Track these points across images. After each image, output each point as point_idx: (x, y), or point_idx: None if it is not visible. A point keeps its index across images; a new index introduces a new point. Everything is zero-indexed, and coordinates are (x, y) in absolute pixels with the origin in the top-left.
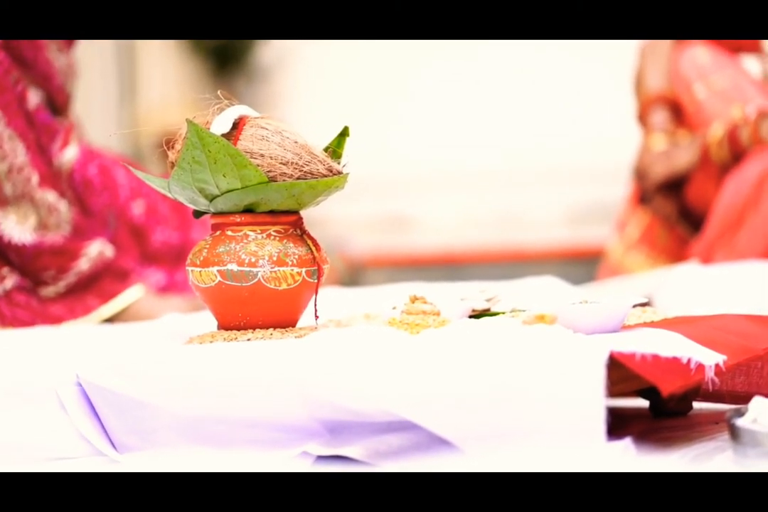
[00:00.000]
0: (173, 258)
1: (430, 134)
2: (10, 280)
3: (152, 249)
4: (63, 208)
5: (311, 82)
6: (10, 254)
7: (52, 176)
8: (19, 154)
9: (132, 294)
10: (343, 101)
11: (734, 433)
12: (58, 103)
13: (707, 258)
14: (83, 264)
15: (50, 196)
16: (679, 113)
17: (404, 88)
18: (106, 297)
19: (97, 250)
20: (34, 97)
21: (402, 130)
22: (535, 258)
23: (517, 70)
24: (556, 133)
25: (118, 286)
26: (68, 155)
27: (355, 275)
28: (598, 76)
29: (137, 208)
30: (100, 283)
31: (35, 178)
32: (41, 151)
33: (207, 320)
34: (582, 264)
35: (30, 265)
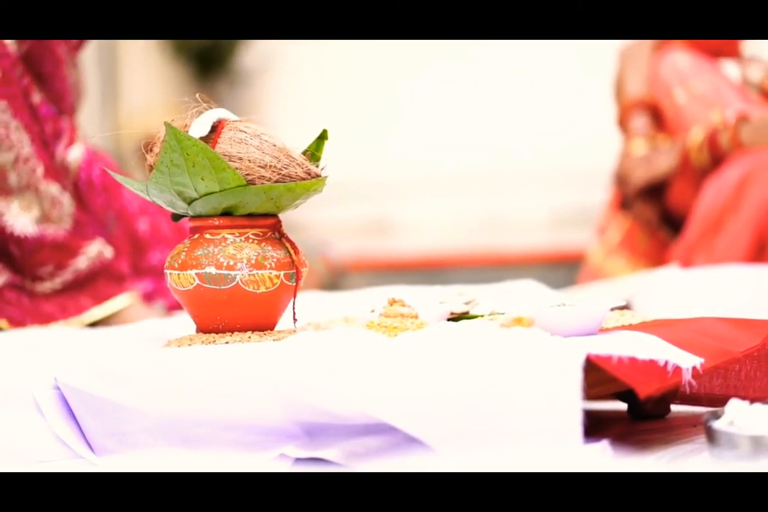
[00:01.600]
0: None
1: (414, 138)
2: (2, 277)
3: (147, 265)
4: (66, 201)
5: (294, 86)
6: (11, 246)
7: (55, 169)
8: (25, 145)
9: (124, 300)
10: (326, 105)
11: (711, 436)
12: (65, 113)
13: (687, 262)
14: (81, 263)
15: (54, 189)
16: (659, 118)
17: (388, 93)
18: (100, 298)
19: (96, 249)
20: (37, 92)
21: (385, 134)
22: (517, 262)
23: (501, 75)
24: (540, 137)
25: (112, 289)
26: (74, 154)
27: (337, 279)
28: (581, 81)
29: (143, 225)
30: (95, 284)
31: (40, 170)
32: (45, 145)
33: (186, 323)
34: (564, 268)
35: (29, 259)
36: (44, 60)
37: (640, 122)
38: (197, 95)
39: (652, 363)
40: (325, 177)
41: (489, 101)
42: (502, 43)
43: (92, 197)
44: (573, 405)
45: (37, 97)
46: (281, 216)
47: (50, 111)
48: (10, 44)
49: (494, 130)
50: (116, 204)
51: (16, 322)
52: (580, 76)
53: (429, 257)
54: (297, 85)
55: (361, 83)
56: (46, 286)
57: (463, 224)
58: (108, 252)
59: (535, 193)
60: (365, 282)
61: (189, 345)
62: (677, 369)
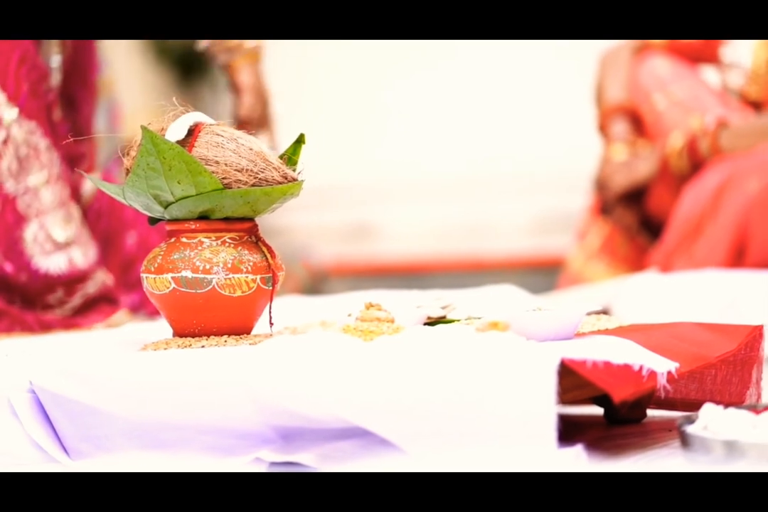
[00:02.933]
0: None
1: (396, 143)
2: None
3: (134, 279)
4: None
5: (277, 91)
6: (28, 285)
7: (77, 192)
8: (54, 164)
9: (120, 318)
10: (309, 109)
11: (685, 440)
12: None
13: (666, 267)
14: (90, 288)
15: (76, 212)
16: (639, 123)
17: (370, 98)
18: (104, 315)
19: (102, 277)
20: (59, 109)
21: (367, 139)
22: (498, 267)
23: (482, 81)
24: (521, 142)
25: (111, 309)
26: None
27: (318, 283)
28: (562, 86)
29: (130, 239)
30: (97, 306)
31: (67, 191)
32: (69, 165)
33: (163, 327)
34: (544, 273)
35: (44, 289)
36: (78, 85)
37: (620, 128)
38: (174, 99)
39: (626, 367)
40: (302, 181)
41: (471, 107)
42: (485, 49)
43: (98, 223)
44: (547, 409)
45: (58, 114)
46: (258, 220)
47: (66, 130)
48: (47, 60)
49: (476, 136)
50: (113, 225)
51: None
52: (561, 81)
53: (410, 262)
54: (279, 89)
55: (344, 88)
56: (56, 313)
57: (445, 229)
58: (109, 280)
59: (517, 199)
60: (346, 287)
61: (165, 349)
62: (652, 374)
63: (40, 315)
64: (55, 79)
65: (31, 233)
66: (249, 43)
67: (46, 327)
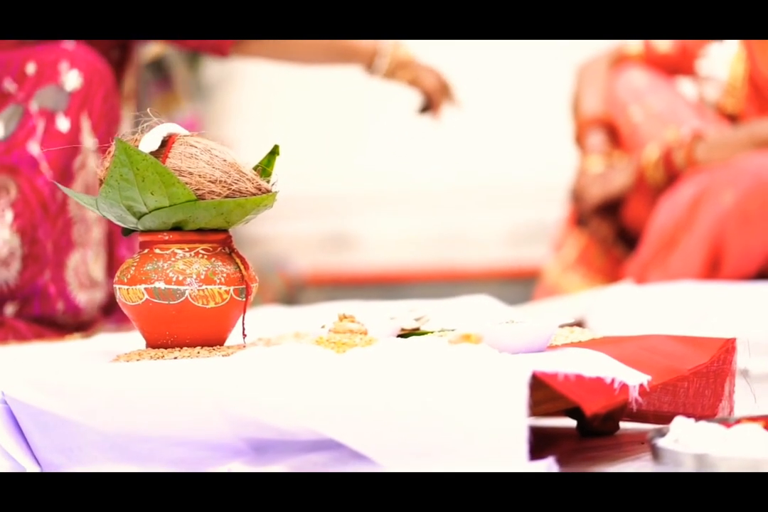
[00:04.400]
0: None
1: (373, 154)
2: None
3: None
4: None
5: (254, 101)
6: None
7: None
8: None
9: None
10: (286, 120)
11: (656, 453)
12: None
13: (641, 279)
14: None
15: (103, 255)
16: (615, 135)
17: (348, 108)
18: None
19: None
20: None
21: (344, 149)
22: (475, 277)
23: (460, 90)
24: (498, 153)
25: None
26: None
27: (294, 294)
28: (540, 98)
29: (122, 250)
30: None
31: (104, 233)
32: None
33: (136, 339)
34: (521, 284)
35: (71, 319)
36: (113, 96)
37: (597, 139)
38: (148, 109)
39: (598, 380)
40: (276, 192)
41: (449, 118)
42: (462, 60)
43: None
44: (518, 421)
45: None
46: (234, 229)
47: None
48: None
49: (453, 147)
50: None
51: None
52: (539, 93)
53: (387, 272)
54: (257, 99)
55: (321, 98)
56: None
57: (422, 240)
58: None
59: (494, 210)
60: (323, 297)
61: (138, 360)
62: (624, 387)
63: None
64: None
65: (73, 262)
66: (406, 56)
67: (39, 336)
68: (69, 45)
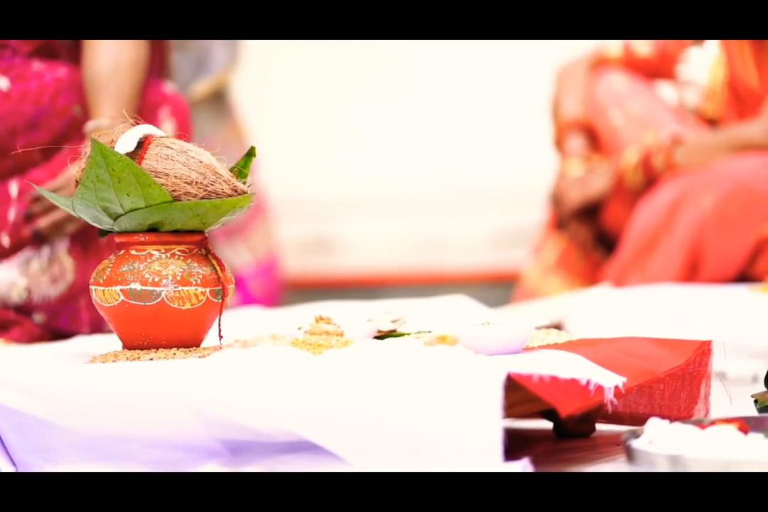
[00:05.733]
0: None
1: (355, 157)
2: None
3: None
4: None
5: (237, 107)
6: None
7: None
8: None
9: None
10: (268, 123)
11: (630, 454)
12: None
13: (620, 282)
14: None
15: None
16: (594, 139)
17: (329, 112)
18: None
19: None
20: None
21: (326, 152)
22: (456, 281)
23: (439, 97)
24: (479, 157)
25: None
26: None
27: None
28: (520, 101)
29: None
30: None
31: None
32: None
33: (113, 340)
34: (502, 288)
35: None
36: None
37: (576, 143)
38: (124, 111)
39: (573, 382)
40: (252, 194)
41: (429, 122)
42: (442, 64)
43: None
44: (493, 423)
45: None
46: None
47: None
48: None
49: (433, 151)
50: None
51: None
52: (519, 97)
53: (369, 275)
54: (240, 105)
55: (304, 102)
56: None
57: (403, 243)
58: None
59: (475, 213)
60: (305, 301)
61: (114, 361)
62: (599, 389)
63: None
64: None
65: None
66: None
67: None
68: (168, 89)
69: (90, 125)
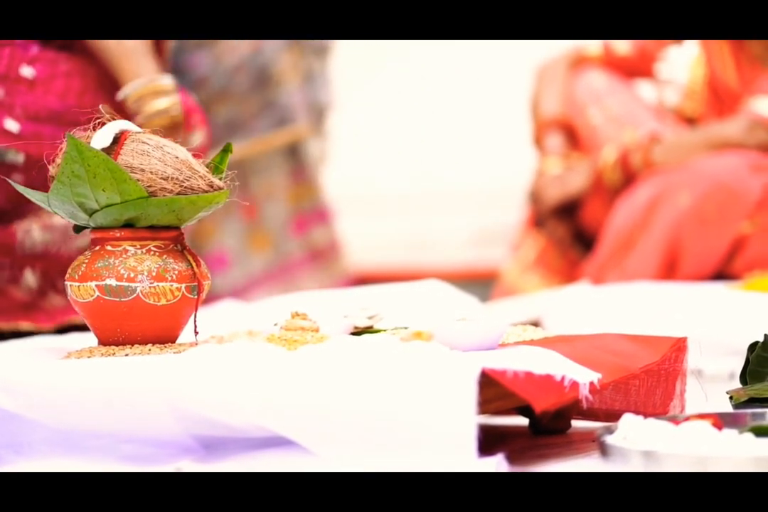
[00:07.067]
0: None
1: (336, 159)
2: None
3: None
4: None
5: None
6: None
7: None
8: None
9: None
10: None
11: (604, 450)
12: None
13: (598, 280)
14: None
15: None
16: (573, 137)
17: None
18: None
19: None
20: None
21: None
22: (437, 278)
23: (420, 96)
24: (459, 156)
25: None
26: None
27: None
28: (500, 100)
29: None
30: None
31: None
32: None
33: (88, 336)
34: (482, 286)
35: None
36: None
37: (555, 141)
38: (101, 106)
39: (548, 377)
40: (228, 190)
41: (410, 123)
42: (421, 65)
43: None
44: (467, 419)
45: None
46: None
47: None
48: None
49: (412, 150)
50: None
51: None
52: (499, 95)
53: (351, 274)
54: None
55: None
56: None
57: (384, 242)
58: None
59: (455, 212)
60: None
61: (89, 357)
62: (574, 385)
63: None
64: None
65: None
66: (151, 107)
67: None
68: (192, 99)
69: (125, 90)
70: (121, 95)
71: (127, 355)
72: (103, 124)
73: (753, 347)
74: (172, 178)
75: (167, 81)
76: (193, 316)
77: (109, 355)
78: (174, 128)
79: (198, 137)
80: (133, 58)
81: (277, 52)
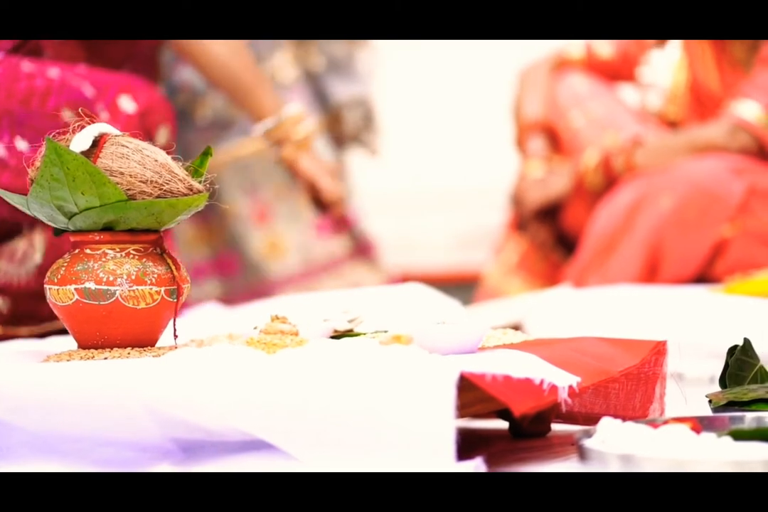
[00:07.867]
0: None
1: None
2: None
3: None
4: None
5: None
6: None
7: None
8: None
9: None
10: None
11: (583, 454)
12: None
13: (580, 283)
14: None
15: None
16: (555, 140)
17: None
18: None
19: None
20: None
21: None
22: (418, 281)
23: (403, 97)
24: (441, 158)
25: None
26: None
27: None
28: (482, 102)
29: None
30: None
31: None
32: None
33: (68, 339)
34: (465, 289)
35: None
36: None
37: (537, 144)
38: (80, 109)
39: (527, 381)
40: (207, 193)
41: (394, 124)
42: (405, 66)
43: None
44: (446, 422)
45: None
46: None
47: None
48: None
49: (395, 151)
50: None
51: None
52: (482, 98)
53: None
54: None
55: None
56: None
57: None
58: None
59: (437, 214)
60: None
61: (68, 360)
62: (553, 388)
63: None
64: None
65: None
66: (297, 134)
67: None
68: (157, 94)
69: (259, 128)
70: (269, 124)
71: (106, 359)
72: (83, 127)
73: (732, 350)
74: (152, 181)
75: (298, 108)
76: (172, 320)
77: (88, 359)
78: None
79: (163, 134)
80: (269, 88)
81: (270, 50)
